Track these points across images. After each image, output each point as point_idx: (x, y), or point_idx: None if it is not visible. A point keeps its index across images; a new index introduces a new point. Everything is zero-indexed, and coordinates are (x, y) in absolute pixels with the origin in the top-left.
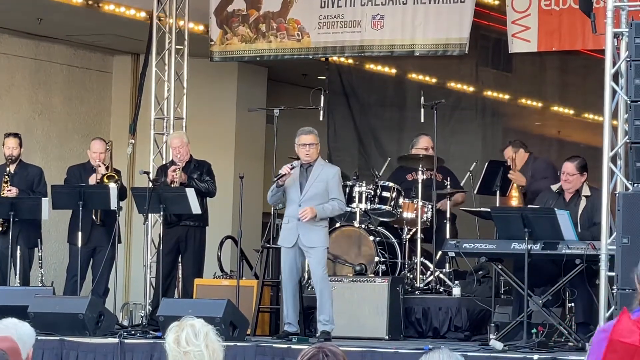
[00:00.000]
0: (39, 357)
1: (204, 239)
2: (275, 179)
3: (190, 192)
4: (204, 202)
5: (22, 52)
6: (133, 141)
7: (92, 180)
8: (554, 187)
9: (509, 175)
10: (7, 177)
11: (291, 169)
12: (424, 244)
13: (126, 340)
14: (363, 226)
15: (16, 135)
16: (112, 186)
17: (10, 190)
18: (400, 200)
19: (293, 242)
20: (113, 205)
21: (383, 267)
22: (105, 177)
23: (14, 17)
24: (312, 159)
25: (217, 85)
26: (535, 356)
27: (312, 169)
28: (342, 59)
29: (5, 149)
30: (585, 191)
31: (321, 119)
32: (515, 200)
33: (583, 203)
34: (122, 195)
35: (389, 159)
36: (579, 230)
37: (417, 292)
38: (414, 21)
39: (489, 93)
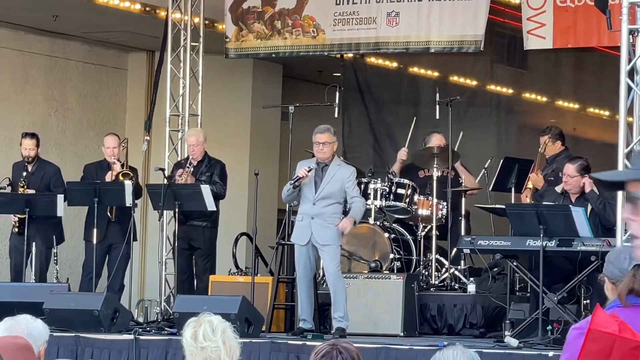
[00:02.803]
0: (54, 353)
1: (214, 240)
2: (292, 181)
3: (205, 189)
4: (216, 203)
5: (38, 49)
6: (148, 138)
7: (108, 178)
8: (558, 189)
9: (530, 175)
10: (23, 182)
11: (308, 171)
12: (438, 241)
13: (141, 337)
14: (378, 223)
15: (33, 135)
16: (127, 183)
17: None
18: (415, 197)
19: (306, 239)
20: (128, 202)
21: (398, 264)
22: (120, 175)
23: (30, 14)
24: (326, 157)
25: (232, 82)
26: (551, 353)
27: (327, 169)
28: (358, 56)
29: (22, 150)
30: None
31: (336, 115)
32: (530, 197)
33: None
34: (137, 193)
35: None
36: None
37: (432, 289)
38: (429, 18)
39: (504, 90)
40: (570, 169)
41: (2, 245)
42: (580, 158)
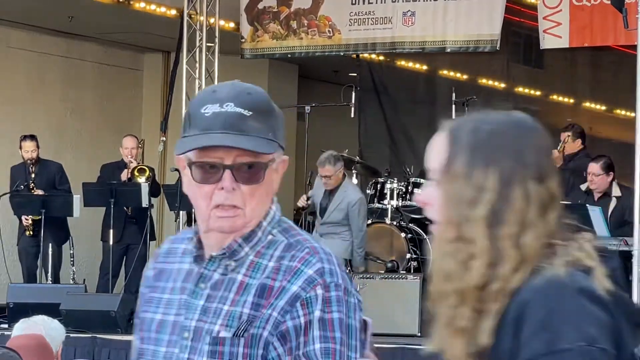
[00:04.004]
0: (71, 354)
1: None
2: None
3: None
4: None
5: (54, 50)
6: (164, 139)
7: (124, 176)
8: (583, 187)
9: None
10: (32, 184)
11: (307, 199)
12: None
13: None
14: (395, 223)
15: (33, 137)
16: (144, 184)
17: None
18: None
19: None
20: (144, 202)
21: (415, 263)
22: (135, 170)
23: (46, 15)
24: (332, 187)
25: (247, 82)
26: None
27: (335, 194)
28: (373, 56)
29: (23, 152)
30: (616, 192)
31: (352, 115)
32: None
33: (613, 204)
34: (156, 191)
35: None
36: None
37: None
38: (445, 17)
39: (520, 89)
40: (594, 167)
41: (12, 250)
42: (603, 156)
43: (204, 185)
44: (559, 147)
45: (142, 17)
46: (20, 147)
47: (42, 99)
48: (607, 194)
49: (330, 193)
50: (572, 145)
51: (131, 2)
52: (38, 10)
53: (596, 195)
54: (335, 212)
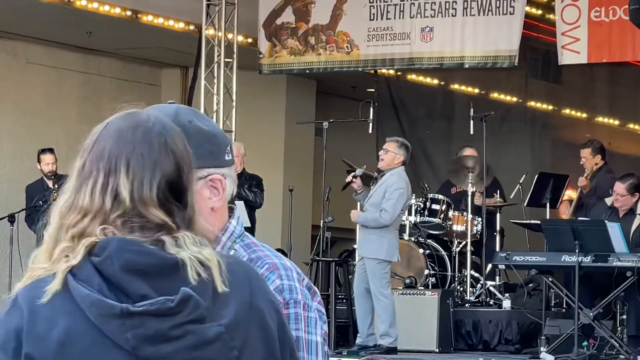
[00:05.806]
0: None
1: None
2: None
3: (240, 205)
4: (253, 215)
5: (72, 66)
6: None
7: None
8: (608, 201)
9: (579, 180)
10: (55, 194)
11: (353, 177)
12: (473, 256)
13: None
14: (413, 239)
15: (51, 150)
16: None
17: None
18: (450, 213)
19: (360, 253)
20: None
21: (433, 279)
22: None
23: (64, 31)
24: (382, 165)
25: (266, 98)
26: None
27: (381, 177)
28: (391, 71)
29: (43, 166)
30: None
31: (370, 131)
32: (570, 209)
33: (637, 222)
34: None
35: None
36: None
37: (467, 305)
38: (464, 33)
39: (538, 105)
40: (620, 187)
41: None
42: (631, 176)
43: None
44: (585, 175)
45: (161, 33)
46: (39, 161)
47: (60, 114)
48: (632, 210)
49: (378, 180)
50: (591, 160)
51: (149, 18)
52: (56, 25)
53: (621, 212)
54: (377, 191)
